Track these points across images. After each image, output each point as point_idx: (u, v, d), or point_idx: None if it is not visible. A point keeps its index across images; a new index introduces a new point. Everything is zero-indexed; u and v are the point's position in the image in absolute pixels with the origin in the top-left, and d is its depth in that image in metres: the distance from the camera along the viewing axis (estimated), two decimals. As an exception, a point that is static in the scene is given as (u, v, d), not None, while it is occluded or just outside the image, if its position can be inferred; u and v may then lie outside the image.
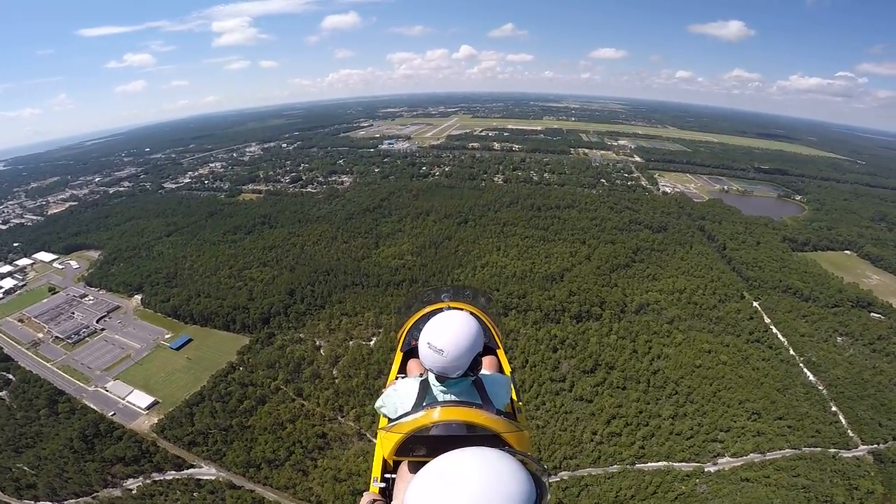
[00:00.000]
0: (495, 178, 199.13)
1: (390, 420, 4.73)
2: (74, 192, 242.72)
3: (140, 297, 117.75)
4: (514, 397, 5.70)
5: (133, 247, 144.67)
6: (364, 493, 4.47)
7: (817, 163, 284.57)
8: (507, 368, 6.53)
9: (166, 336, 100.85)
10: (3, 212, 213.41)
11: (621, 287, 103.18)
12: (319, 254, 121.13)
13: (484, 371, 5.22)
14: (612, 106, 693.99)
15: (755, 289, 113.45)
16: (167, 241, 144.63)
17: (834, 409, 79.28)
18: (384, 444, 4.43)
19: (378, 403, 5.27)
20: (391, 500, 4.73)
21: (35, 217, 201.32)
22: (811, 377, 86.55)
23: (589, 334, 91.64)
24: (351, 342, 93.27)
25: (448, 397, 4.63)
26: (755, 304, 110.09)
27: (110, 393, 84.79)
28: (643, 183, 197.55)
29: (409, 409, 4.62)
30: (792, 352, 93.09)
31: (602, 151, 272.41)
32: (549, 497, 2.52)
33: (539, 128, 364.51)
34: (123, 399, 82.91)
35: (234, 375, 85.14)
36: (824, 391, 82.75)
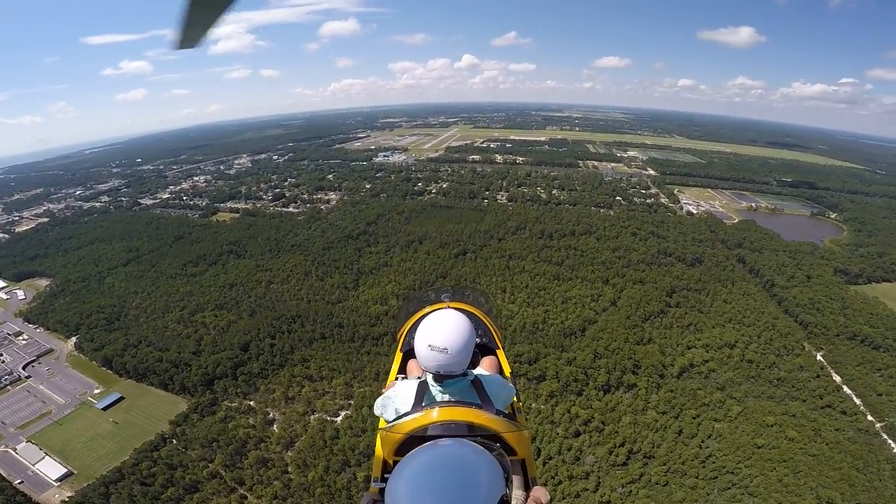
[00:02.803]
0: (498, 196, 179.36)
1: (389, 421, 4.72)
2: (52, 205, 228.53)
3: (74, 341, 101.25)
4: (514, 398, 5.63)
5: (84, 277, 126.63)
6: (364, 494, 4.17)
7: (838, 173, 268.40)
8: (507, 369, 6.34)
9: (95, 391, 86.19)
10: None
11: (658, 343, 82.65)
12: (287, 294, 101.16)
13: (484, 371, 5.29)
14: (615, 115, 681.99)
15: (816, 337, 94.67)
16: (122, 272, 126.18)
17: (925, 485, 62.51)
18: (384, 445, 4.39)
19: (377, 405, 5.20)
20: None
21: (2, 235, 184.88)
22: (896, 448, 68.87)
23: (621, 410, 71.36)
24: (313, 416, 73.46)
25: (446, 398, 4.55)
26: (818, 356, 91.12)
27: (20, 456, 72.88)
28: (663, 200, 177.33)
29: (408, 409, 4.52)
30: (870, 417, 76.53)
31: (612, 164, 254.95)
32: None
33: (543, 138, 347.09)
34: (34, 465, 70.95)
35: (162, 451, 68.96)
36: (912, 464, 65.62)
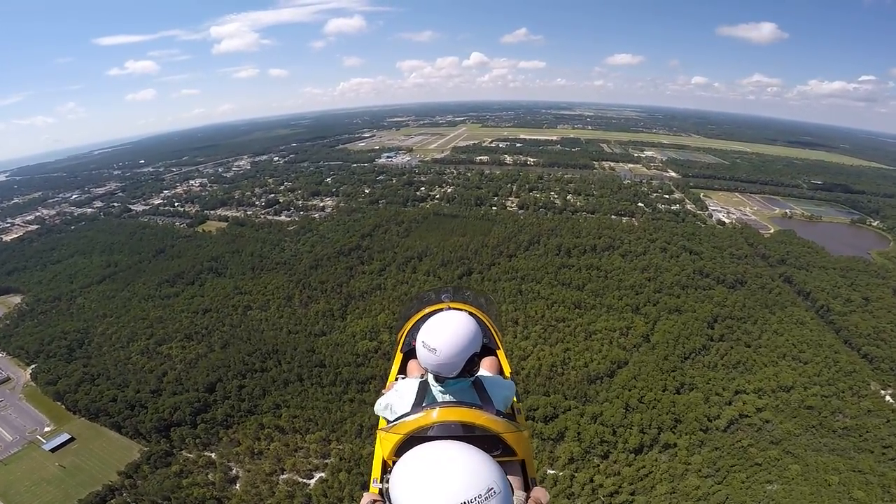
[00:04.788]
0: (508, 203, 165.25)
1: (390, 421, 4.70)
2: (45, 211, 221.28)
3: (31, 371, 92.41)
4: (514, 399, 5.61)
5: (56, 296, 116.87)
6: (364, 494, 4.13)
7: (869, 174, 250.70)
8: (507, 369, 6.29)
9: (45, 429, 78.92)
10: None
11: (701, 388, 68.49)
12: (265, 323, 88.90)
13: (484, 372, 5.20)
14: (627, 113, 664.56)
15: (883, 373, 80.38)
16: (95, 291, 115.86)
17: None
18: (384, 445, 4.38)
19: (378, 404, 5.20)
20: (391, 501, 4.23)
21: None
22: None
23: (655, 477, 57.78)
24: (282, 477, 61.34)
25: (447, 398, 4.54)
26: (887, 396, 76.58)
27: (-41, 499, 67.18)
28: (690, 207, 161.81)
29: (408, 409, 4.52)
30: (948, 469, 62.81)
31: (630, 165, 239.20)
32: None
33: (554, 137, 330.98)
34: (-28, 509, 65.49)
35: (108, 508, 58.98)
36: None
